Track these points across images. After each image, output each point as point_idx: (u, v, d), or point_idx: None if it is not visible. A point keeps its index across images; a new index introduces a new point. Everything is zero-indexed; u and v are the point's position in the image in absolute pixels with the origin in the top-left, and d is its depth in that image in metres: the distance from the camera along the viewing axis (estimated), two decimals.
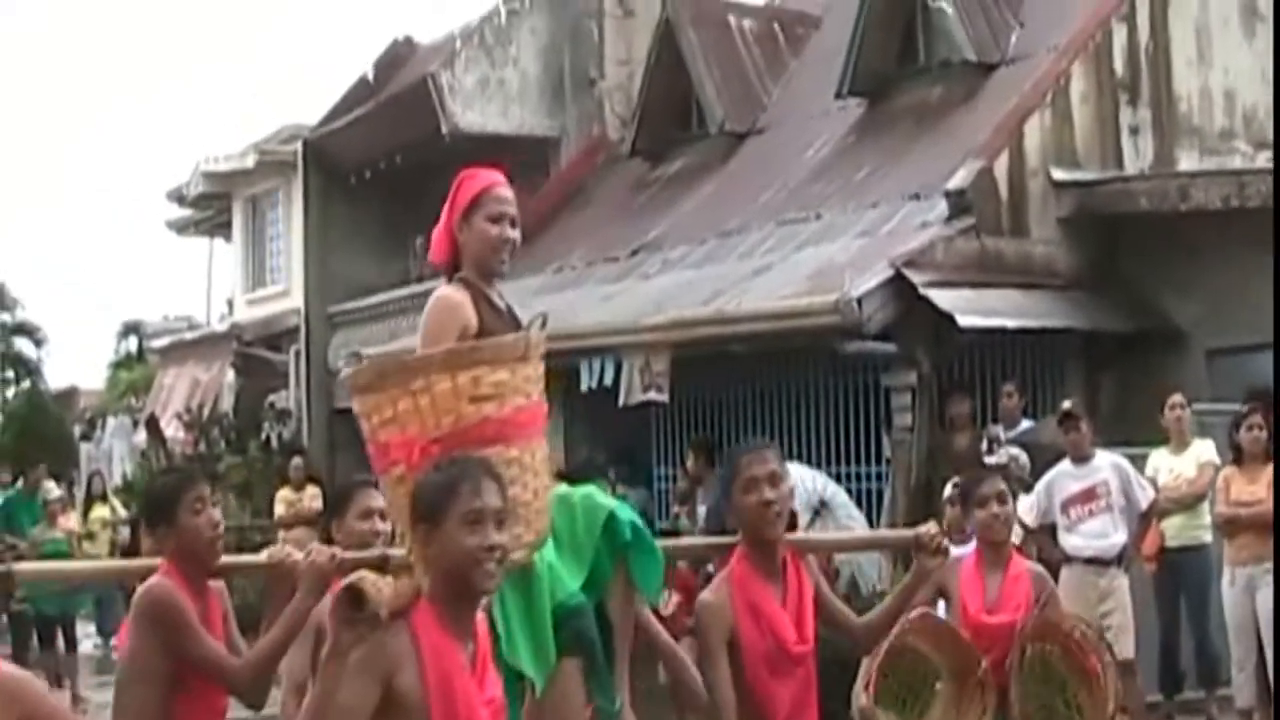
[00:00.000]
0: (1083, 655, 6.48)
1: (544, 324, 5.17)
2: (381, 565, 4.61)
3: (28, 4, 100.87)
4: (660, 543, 5.40)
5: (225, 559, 5.50)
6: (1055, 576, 10.95)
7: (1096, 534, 10.88)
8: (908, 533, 6.23)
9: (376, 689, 3.93)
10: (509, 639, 4.69)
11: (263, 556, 5.31)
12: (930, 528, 5.85)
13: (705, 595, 5.51)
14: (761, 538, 5.44)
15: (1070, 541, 10.94)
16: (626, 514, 5.20)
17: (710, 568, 11.93)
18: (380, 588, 3.95)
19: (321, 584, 4.94)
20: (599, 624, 5.10)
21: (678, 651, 5.73)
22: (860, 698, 6.19)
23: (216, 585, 5.59)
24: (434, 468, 4.24)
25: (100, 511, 19.14)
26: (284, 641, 5.21)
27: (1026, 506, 11.16)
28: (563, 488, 5.28)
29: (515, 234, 5.28)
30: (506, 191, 5.28)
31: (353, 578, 3.97)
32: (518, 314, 5.35)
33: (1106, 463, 11.04)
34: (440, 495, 4.08)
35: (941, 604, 6.82)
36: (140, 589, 5.38)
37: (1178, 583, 11.76)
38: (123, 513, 19.90)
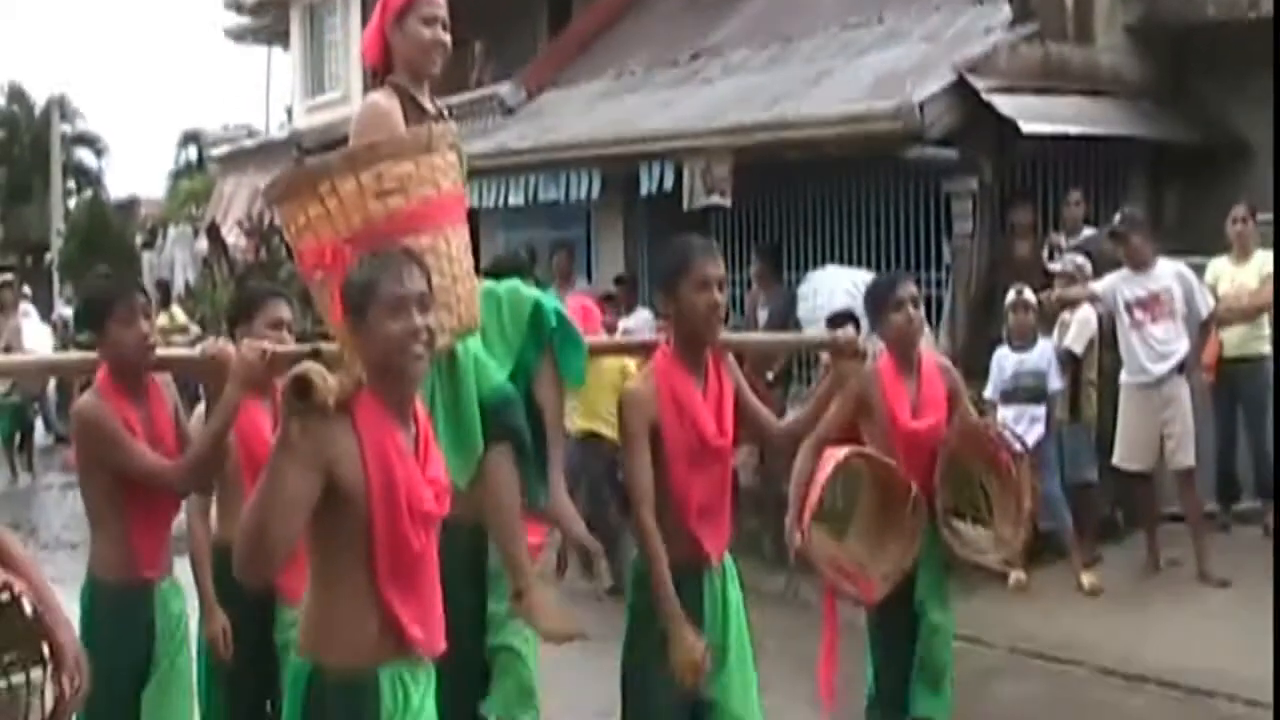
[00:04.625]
0: (995, 450, 6.81)
1: (442, 115, 5.34)
2: (313, 358, 4.67)
3: None
4: (587, 340, 5.60)
5: (160, 352, 5.66)
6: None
7: (1159, 340, 10.84)
8: (826, 335, 6.43)
9: (319, 479, 4.05)
10: (434, 430, 4.75)
11: (196, 351, 5.49)
12: (849, 332, 6.12)
13: (630, 385, 5.69)
14: (702, 338, 5.60)
15: (1132, 345, 10.90)
16: (551, 303, 5.41)
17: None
18: (326, 378, 4.02)
19: (251, 377, 5.08)
20: (528, 413, 5.28)
21: None
22: (795, 538, 6.33)
23: (162, 378, 5.78)
24: (359, 263, 4.34)
25: (160, 320, 19.50)
26: (218, 435, 5.38)
27: (1084, 316, 11.19)
28: (488, 283, 5.43)
29: (447, 37, 5.35)
30: None
31: (300, 369, 4.03)
32: (446, 114, 5.43)
33: (1169, 271, 10.99)
34: (364, 286, 4.20)
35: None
36: (73, 409, 5.64)
37: (1235, 393, 11.77)
38: (183, 319, 20.20)
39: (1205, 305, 11.03)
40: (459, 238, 5.07)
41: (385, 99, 5.23)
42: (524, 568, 5.23)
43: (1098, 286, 11.10)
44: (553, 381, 5.43)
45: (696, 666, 5.41)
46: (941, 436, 6.67)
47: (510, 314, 5.34)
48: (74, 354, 6.31)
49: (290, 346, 5.45)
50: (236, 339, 5.79)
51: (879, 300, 6.74)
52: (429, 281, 4.30)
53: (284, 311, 6.28)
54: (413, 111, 5.23)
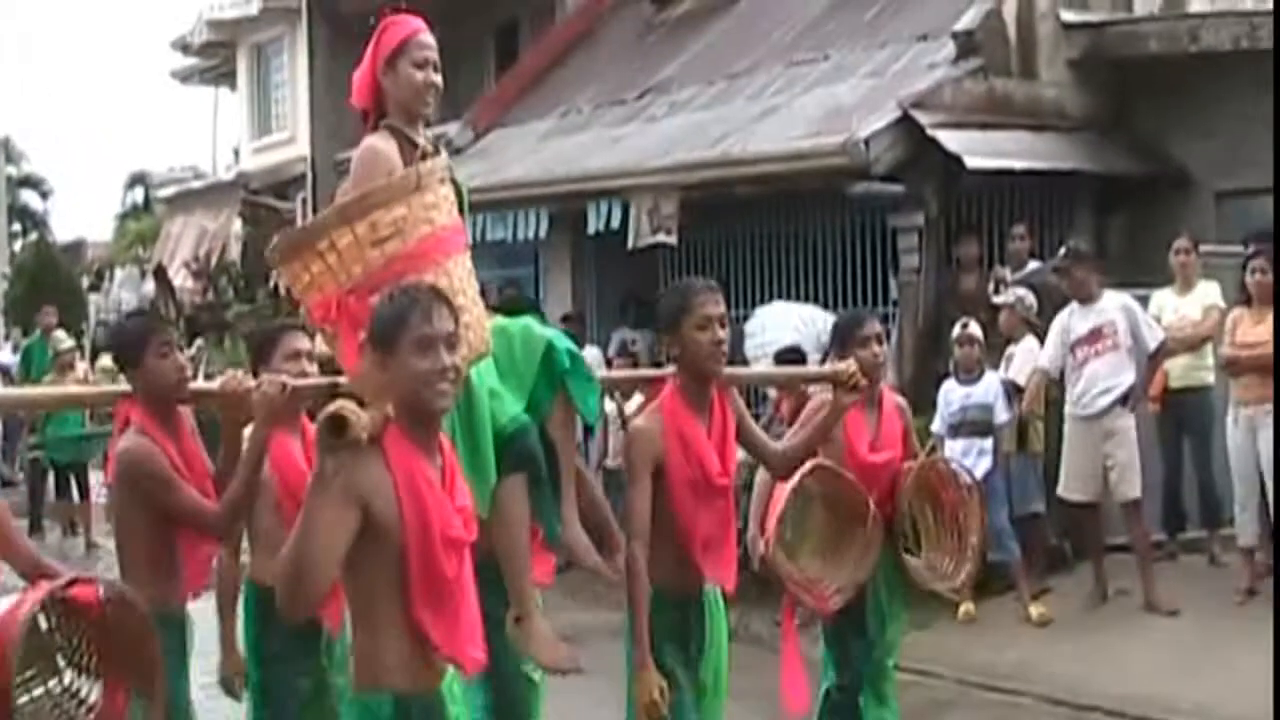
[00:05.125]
0: (941, 487, 6.99)
1: (437, 150, 5.39)
2: (332, 393, 4.69)
3: None
4: (599, 374, 5.76)
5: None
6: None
7: (1103, 375, 10.91)
8: (827, 369, 6.50)
9: (356, 513, 4.12)
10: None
11: (216, 385, 5.46)
12: (850, 365, 6.30)
13: (638, 422, 5.85)
14: (706, 374, 5.75)
15: (1074, 380, 10.99)
16: (564, 343, 5.45)
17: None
18: (359, 415, 4.10)
19: (273, 411, 5.10)
20: (541, 447, 5.31)
21: (586, 474, 5.97)
22: (759, 546, 6.41)
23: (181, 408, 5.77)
24: (387, 297, 4.39)
25: (105, 361, 19.32)
26: (251, 475, 5.41)
27: (1045, 350, 11.24)
28: (500, 320, 5.46)
29: (439, 79, 5.41)
30: (430, 38, 5.42)
31: (333, 406, 4.10)
32: (443, 153, 5.47)
33: (1114, 304, 11.05)
34: (393, 323, 4.25)
35: None
36: (119, 449, 5.57)
37: (1181, 423, 11.85)
38: None
39: (1154, 337, 11.07)
40: (461, 267, 5.12)
41: (382, 141, 5.28)
42: (526, 595, 5.26)
43: (1043, 361, 11.19)
44: (565, 420, 5.48)
45: (656, 707, 5.50)
46: (897, 471, 6.77)
47: (523, 353, 5.37)
48: (96, 388, 6.29)
49: (310, 380, 5.50)
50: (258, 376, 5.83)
51: (846, 335, 6.85)
52: (456, 320, 4.36)
53: (301, 342, 6.26)
54: (409, 150, 5.29)
